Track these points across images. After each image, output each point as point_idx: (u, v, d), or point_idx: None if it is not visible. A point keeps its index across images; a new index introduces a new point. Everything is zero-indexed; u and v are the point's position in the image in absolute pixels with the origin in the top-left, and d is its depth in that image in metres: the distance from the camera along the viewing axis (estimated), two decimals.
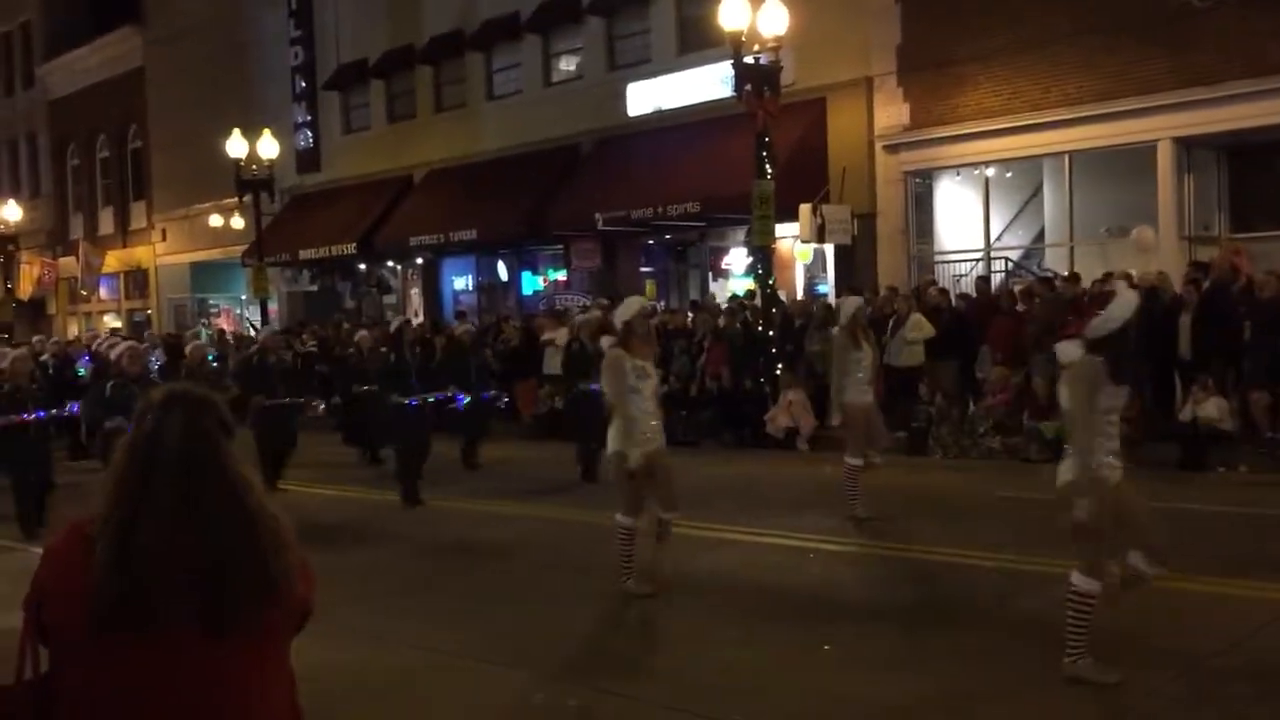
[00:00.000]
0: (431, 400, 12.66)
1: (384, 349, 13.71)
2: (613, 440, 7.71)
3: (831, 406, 10.28)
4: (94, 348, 17.81)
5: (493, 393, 15.09)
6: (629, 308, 8.06)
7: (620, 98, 20.70)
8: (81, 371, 16.66)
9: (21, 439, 10.87)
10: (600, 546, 8.53)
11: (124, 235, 34.31)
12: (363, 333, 16.80)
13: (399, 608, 7.82)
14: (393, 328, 13.25)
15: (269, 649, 2.40)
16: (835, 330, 10.18)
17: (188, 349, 14.85)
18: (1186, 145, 15.19)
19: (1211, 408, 11.95)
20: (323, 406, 18.05)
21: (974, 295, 15.50)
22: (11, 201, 32.37)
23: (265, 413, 13.03)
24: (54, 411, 12.03)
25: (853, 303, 10.23)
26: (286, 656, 2.48)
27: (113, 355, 10.75)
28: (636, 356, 7.69)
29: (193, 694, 2.29)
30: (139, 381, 10.11)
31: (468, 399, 13.81)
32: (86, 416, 11.40)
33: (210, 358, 16.41)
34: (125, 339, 17.71)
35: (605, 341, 8.09)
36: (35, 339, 21.02)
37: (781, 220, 16.13)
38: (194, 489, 2.33)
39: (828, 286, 18.79)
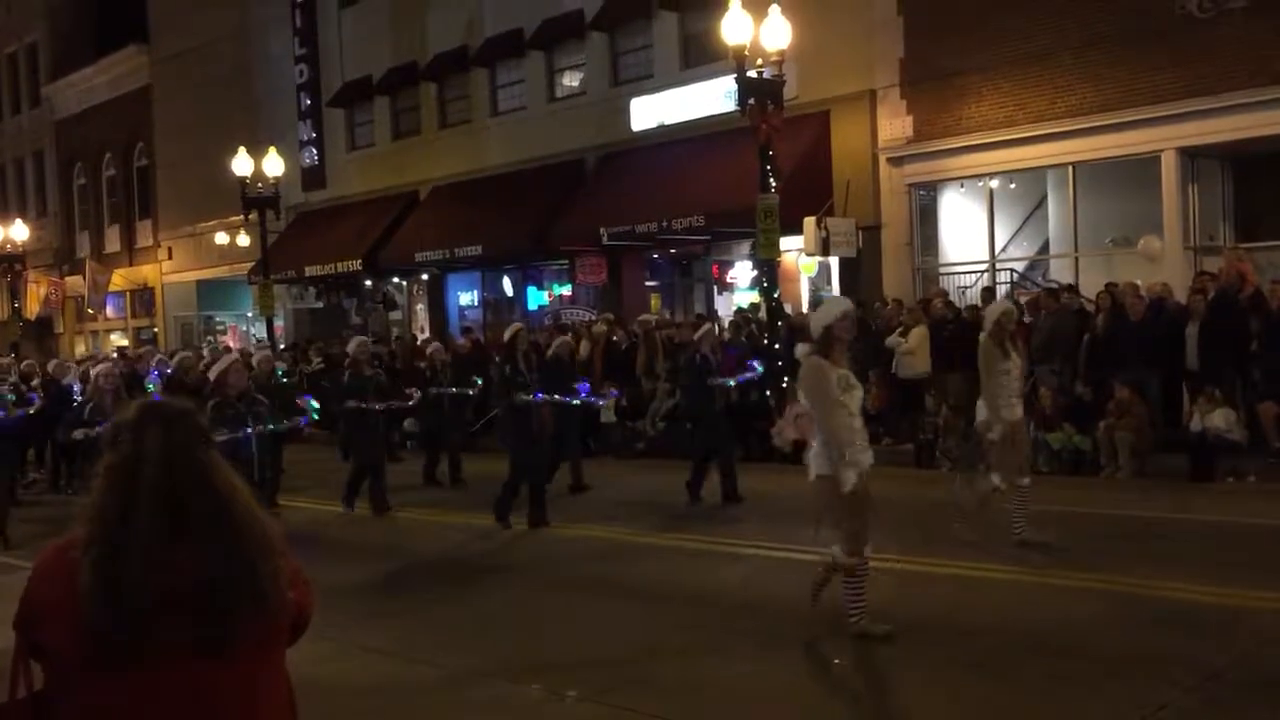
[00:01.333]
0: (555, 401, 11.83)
1: (498, 359, 13.10)
2: (816, 463, 6.81)
3: (986, 420, 9.10)
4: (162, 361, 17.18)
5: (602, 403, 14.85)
6: (831, 310, 6.99)
7: (624, 113, 20.76)
8: (151, 387, 15.85)
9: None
10: (603, 562, 8.52)
11: (130, 253, 34.42)
12: (436, 344, 16.49)
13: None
14: (506, 335, 12.22)
15: (264, 660, 2.39)
16: (982, 337, 9.22)
17: (254, 360, 14.46)
18: (1191, 155, 15.20)
19: (1219, 418, 11.93)
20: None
21: (980, 306, 15.46)
22: (18, 221, 32.46)
23: (357, 430, 12.74)
24: None
25: (998, 308, 9.39)
26: (281, 665, 2.47)
27: (212, 373, 9.59)
28: (839, 365, 6.81)
29: (190, 712, 2.29)
30: (244, 399, 9.21)
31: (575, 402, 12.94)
32: None
33: (279, 371, 16.22)
34: (226, 350, 17.28)
35: (801, 349, 7.12)
36: (97, 354, 20.46)
37: (786, 233, 16.14)
38: (180, 506, 2.31)
39: (833, 299, 18.77)
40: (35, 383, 16.46)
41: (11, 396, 13.71)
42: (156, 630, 2.25)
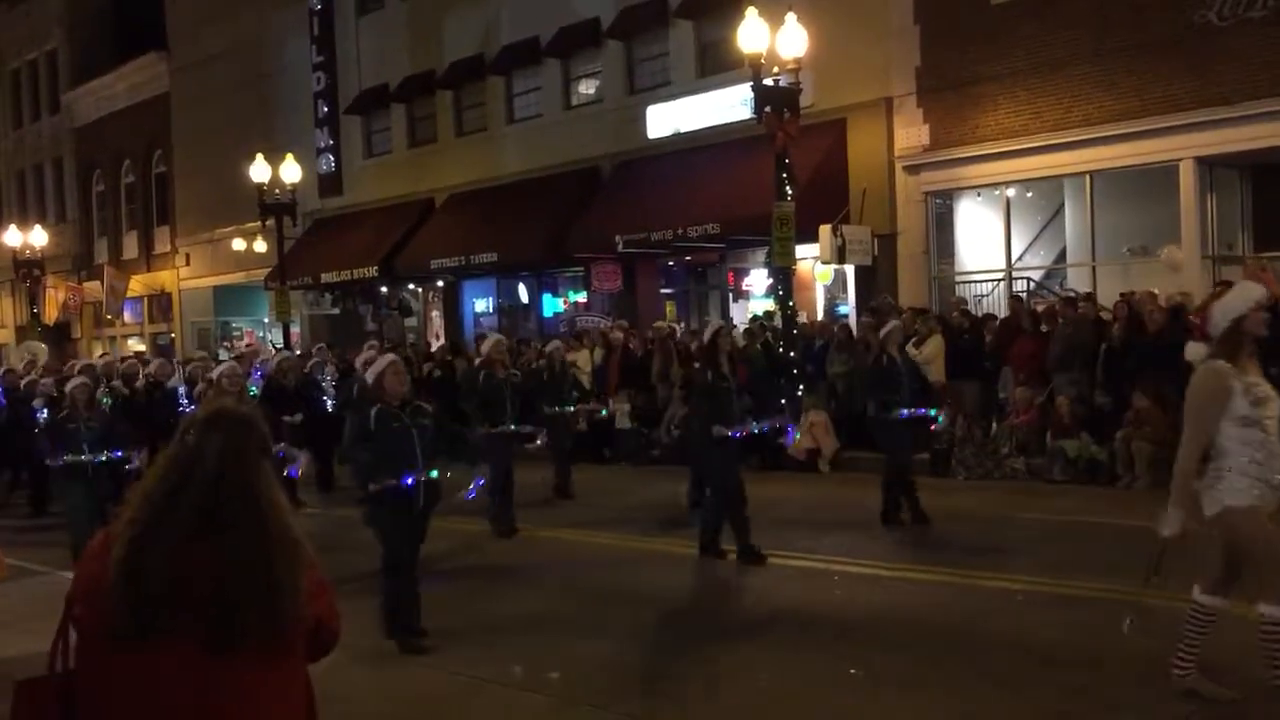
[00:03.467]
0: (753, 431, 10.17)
1: (696, 364, 11.05)
2: (1221, 494, 5.35)
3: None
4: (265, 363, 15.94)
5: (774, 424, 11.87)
6: (1244, 298, 5.40)
7: (640, 120, 20.78)
8: (254, 391, 14.32)
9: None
10: (617, 570, 8.51)
11: (148, 259, 34.60)
12: (556, 343, 14.90)
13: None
14: (706, 335, 10.39)
15: (276, 667, 2.44)
16: (1209, 363, 6.00)
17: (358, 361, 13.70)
18: (1209, 164, 15.11)
19: None
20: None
21: (1005, 315, 15.36)
22: (37, 227, 32.62)
23: (491, 441, 10.98)
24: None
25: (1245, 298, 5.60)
26: (298, 675, 2.52)
27: (369, 375, 7.61)
28: (1249, 372, 5.31)
29: (193, 706, 2.36)
30: (406, 407, 7.41)
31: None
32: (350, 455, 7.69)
33: (251, 391, 15.57)
34: (371, 347, 16.54)
35: (1195, 350, 5.60)
36: (199, 356, 19.41)
37: (802, 241, 16.13)
38: (220, 508, 2.40)
39: (848, 308, 18.77)
40: (140, 384, 15.18)
41: (107, 400, 12.99)
42: (167, 619, 2.33)
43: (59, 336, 36.40)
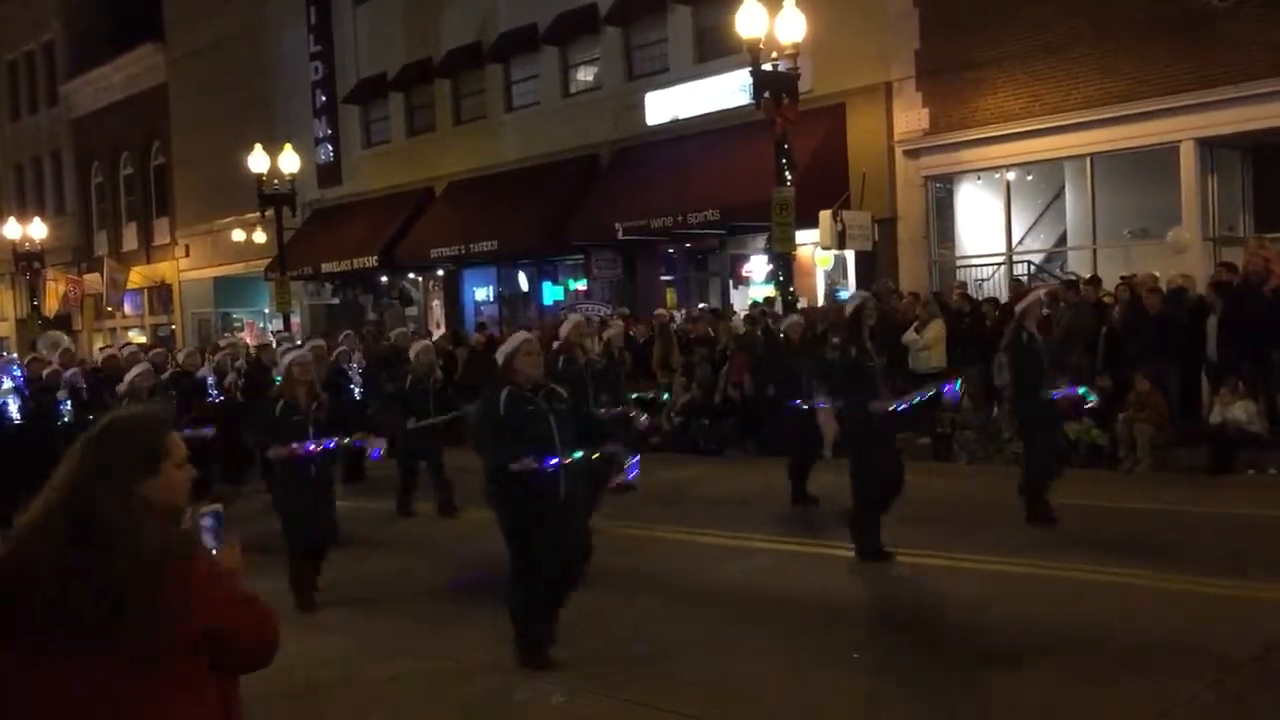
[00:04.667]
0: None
1: (835, 340, 9.67)
2: None
3: None
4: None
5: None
6: None
7: (639, 107, 20.73)
8: (279, 380, 14.42)
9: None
10: (621, 557, 8.50)
11: (148, 251, 34.57)
12: (794, 317, 12.78)
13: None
14: (849, 309, 9.22)
15: (156, 676, 2.45)
16: None
17: (414, 351, 12.57)
18: (1209, 146, 15.07)
19: (1239, 410, 11.85)
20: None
21: (1005, 298, 15.32)
22: (36, 219, 32.60)
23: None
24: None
25: None
26: (189, 684, 2.50)
27: (499, 354, 6.41)
28: None
29: (46, 709, 2.42)
30: (541, 392, 6.49)
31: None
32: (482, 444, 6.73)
33: (350, 369, 14.93)
34: (347, 336, 16.07)
35: None
36: (224, 342, 18.82)
37: (802, 227, 16.11)
38: (81, 511, 2.45)
39: (849, 293, 18.73)
40: (166, 375, 14.00)
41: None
42: (42, 628, 2.39)
43: (59, 329, 36.37)
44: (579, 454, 6.40)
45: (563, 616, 6.59)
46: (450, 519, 11.53)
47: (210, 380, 14.37)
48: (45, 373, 14.87)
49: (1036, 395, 9.54)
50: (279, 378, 11.57)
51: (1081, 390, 10.25)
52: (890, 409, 8.65)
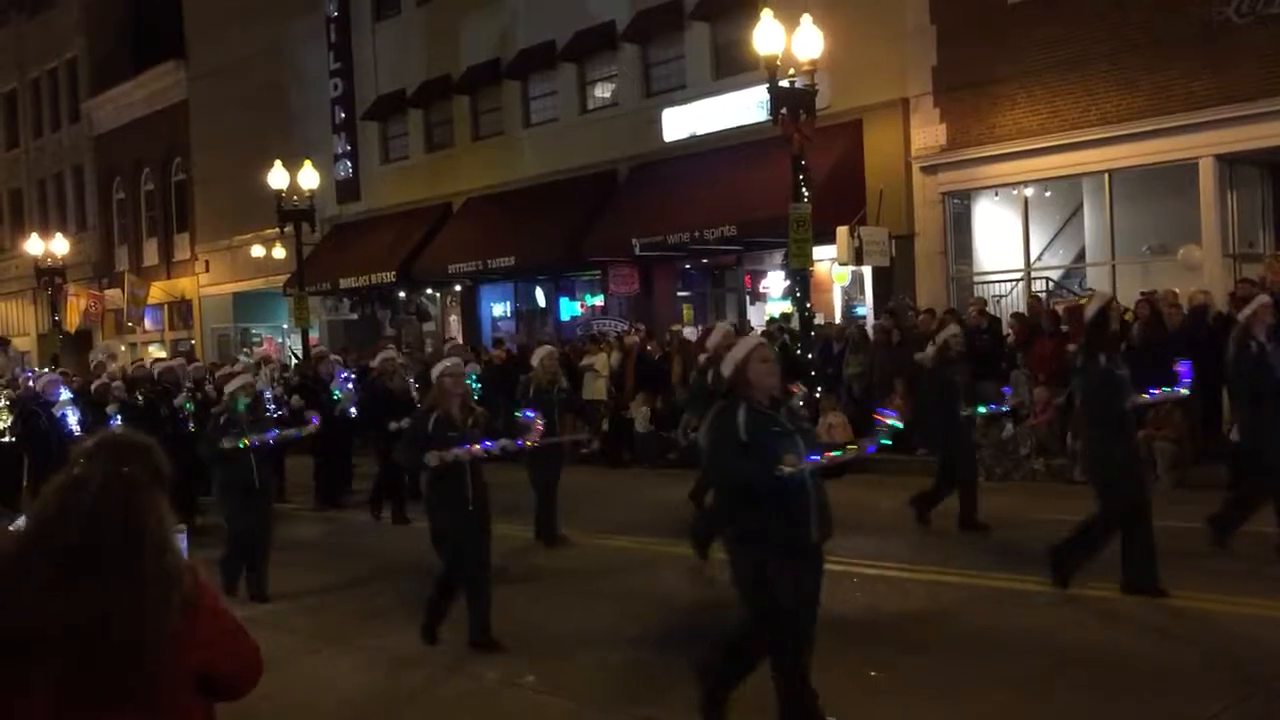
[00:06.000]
0: None
1: (1072, 347, 9.41)
2: None
3: None
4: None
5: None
6: None
7: (656, 124, 20.77)
8: (338, 395, 13.50)
9: None
10: (632, 575, 8.47)
11: (168, 267, 34.80)
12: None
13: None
14: (1089, 311, 8.23)
15: (158, 712, 2.31)
16: None
17: (536, 358, 11.85)
18: (1229, 162, 15.01)
19: None
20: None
21: (1025, 314, 15.26)
22: (58, 235, 32.86)
23: None
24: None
25: None
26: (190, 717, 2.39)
27: (725, 366, 5.10)
28: None
29: None
30: (778, 406, 5.26)
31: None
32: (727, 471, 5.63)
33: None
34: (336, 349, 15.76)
35: None
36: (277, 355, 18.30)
37: (819, 243, 16.10)
38: (96, 538, 2.26)
39: (866, 309, 18.71)
40: (210, 390, 13.68)
41: (190, 406, 12.54)
42: (21, 665, 2.20)
43: (80, 344, 36.63)
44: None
45: (569, 630, 6.54)
46: (557, 546, 10.80)
47: (268, 395, 13.54)
48: (94, 385, 14.83)
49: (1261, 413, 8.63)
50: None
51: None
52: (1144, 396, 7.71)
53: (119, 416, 12.91)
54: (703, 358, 9.55)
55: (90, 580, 2.24)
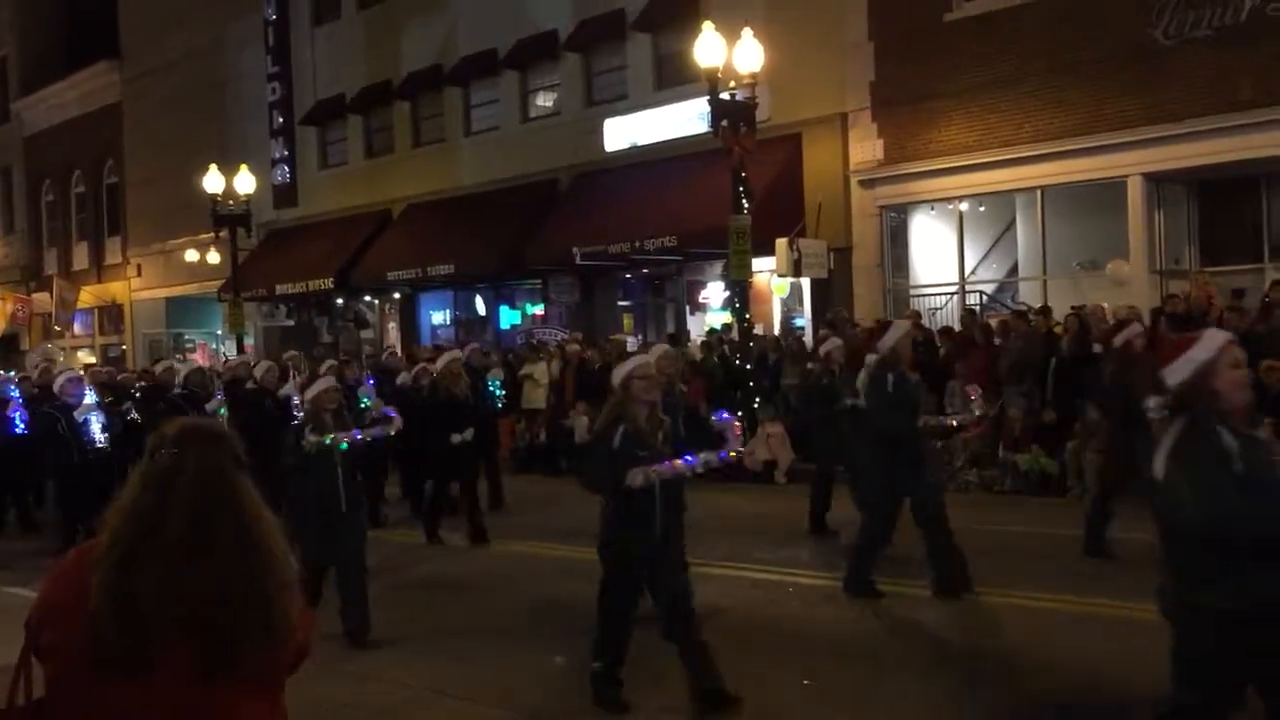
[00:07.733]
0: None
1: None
2: None
3: None
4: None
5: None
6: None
7: (597, 133, 20.81)
8: (365, 402, 11.30)
9: None
10: (568, 581, 8.46)
11: (99, 270, 34.16)
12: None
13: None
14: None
15: (263, 691, 2.37)
16: None
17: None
18: (1157, 180, 15.38)
19: None
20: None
21: (957, 329, 15.49)
22: None
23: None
24: None
25: None
26: (280, 698, 2.44)
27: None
28: None
29: None
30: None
31: None
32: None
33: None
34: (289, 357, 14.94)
35: None
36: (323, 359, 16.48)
37: (758, 254, 16.24)
38: (207, 526, 2.30)
39: (805, 320, 18.88)
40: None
41: (224, 412, 11.54)
42: (158, 647, 2.22)
43: (7, 349, 35.84)
44: None
45: (516, 646, 6.45)
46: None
47: (295, 400, 12.04)
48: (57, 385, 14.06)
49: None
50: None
51: None
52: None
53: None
54: (871, 358, 8.87)
55: (209, 561, 2.28)
